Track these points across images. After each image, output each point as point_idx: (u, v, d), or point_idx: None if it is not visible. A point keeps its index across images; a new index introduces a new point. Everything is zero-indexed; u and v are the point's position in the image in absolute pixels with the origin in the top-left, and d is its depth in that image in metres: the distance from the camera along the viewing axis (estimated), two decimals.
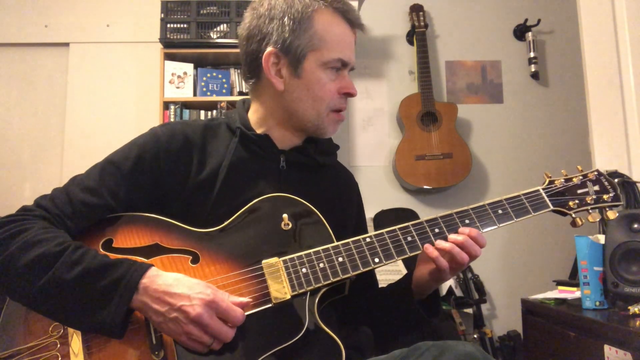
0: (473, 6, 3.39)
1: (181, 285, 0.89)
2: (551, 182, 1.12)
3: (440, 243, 1.01)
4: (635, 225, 1.45)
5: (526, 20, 3.29)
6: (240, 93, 2.95)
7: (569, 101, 3.26)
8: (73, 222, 0.99)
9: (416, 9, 3.24)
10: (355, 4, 2.86)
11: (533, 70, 3.27)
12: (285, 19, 1.07)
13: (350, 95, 1.13)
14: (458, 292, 2.84)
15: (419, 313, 1.12)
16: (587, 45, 2.17)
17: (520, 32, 3.34)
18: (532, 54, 3.27)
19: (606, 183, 1.12)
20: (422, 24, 3.19)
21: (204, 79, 2.94)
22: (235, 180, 1.08)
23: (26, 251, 0.89)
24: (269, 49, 1.08)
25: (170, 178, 1.06)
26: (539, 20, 3.26)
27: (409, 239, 1.02)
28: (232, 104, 2.84)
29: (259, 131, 1.14)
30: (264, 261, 0.98)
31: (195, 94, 2.93)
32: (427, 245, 1.01)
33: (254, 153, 1.13)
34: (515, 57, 3.34)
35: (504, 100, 3.32)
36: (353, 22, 1.12)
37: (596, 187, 1.12)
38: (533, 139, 3.27)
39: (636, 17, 2.11)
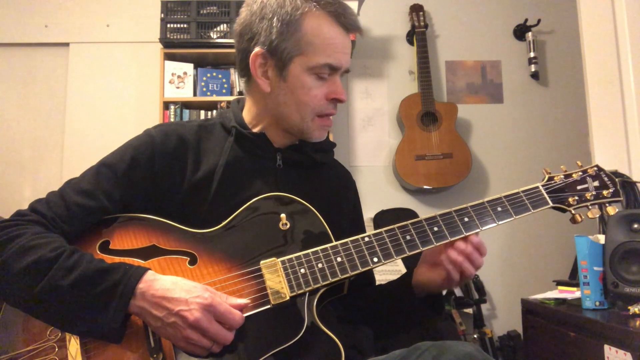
0: (473, 6, 3.38)
1: (179, 289, 0.88)
2: (550, 179, 1.11)
3: (451, 254, 1.02)
4: (635, 225, 1.44)
5: (526, 20, 3.29)
6: (240, 93, 2.94)
7: (569, 101, 3.25)
8: (69, 226, 0.97)
9: (416, 9, 3.23)
10: (355, 5, 2.86)
11: (533, 70, 3.26)
12: (275, 19, 1.05)
13: (339, 101, 1.10)
14: (458, 292, 2.84)
15: (421, 311, 1.12)
16: (587, 45, 2.17)
17: (520, 32, 3.34)
18: (532, 54, 3.26)
19: (606, 178, 1.11)
20: (422, 24, 3.19)
21: (204, 79, 2.94)
22: (232, 179, 1.08)
23: (21, 257, 0.88)
24: (257, 49, 1.07)
25: (165, 179, 1.05)
26: (539, 20, 3.26)
27: (408, 238, 1.02)
28: None
29: (254, 130, 1.14)
30: (262, 261, 0.98)
31: (195, 94, 2.93)
32: (443, 257, 1.03)
33: (250, 152, 1.12)
34: (515, 57, 3.34)
35: (504, 100, 3.32)
36: (347, 26, 1.08)
37: (596, 183, 1.11)
38: (533, 139, 3.26)
39: (636, 17, 2.10)
